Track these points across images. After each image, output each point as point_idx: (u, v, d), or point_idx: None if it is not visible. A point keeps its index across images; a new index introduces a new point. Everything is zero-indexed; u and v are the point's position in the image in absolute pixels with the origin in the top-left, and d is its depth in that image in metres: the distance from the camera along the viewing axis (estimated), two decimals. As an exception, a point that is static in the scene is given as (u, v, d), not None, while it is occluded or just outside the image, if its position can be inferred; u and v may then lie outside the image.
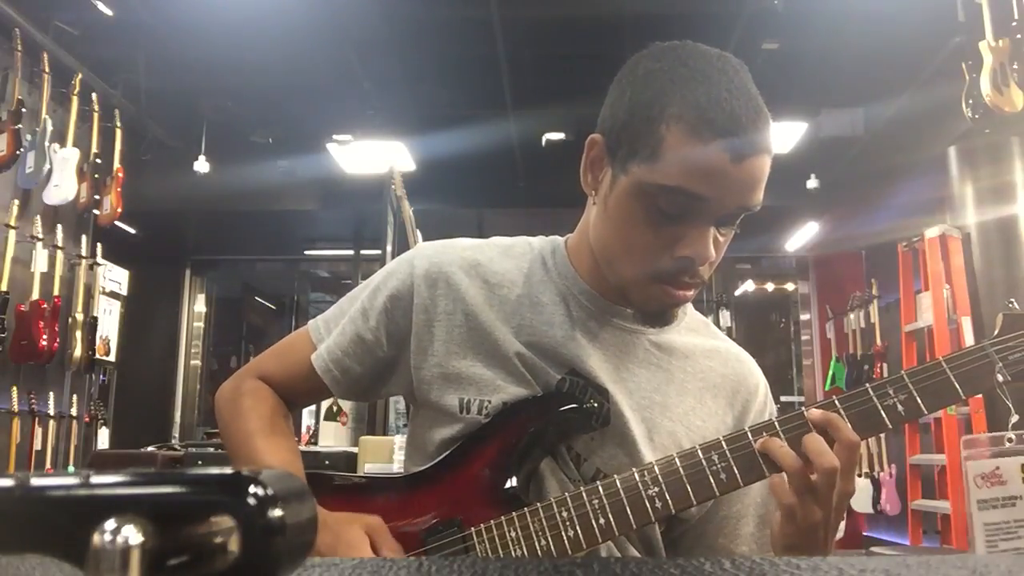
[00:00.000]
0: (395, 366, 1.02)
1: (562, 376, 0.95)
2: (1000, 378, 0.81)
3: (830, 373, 6.85)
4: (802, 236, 7.36)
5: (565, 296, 0.99)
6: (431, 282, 0.99)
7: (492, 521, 0.89)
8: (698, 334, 1.04)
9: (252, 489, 0.26)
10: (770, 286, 9.65)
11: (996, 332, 0.84)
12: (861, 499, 5.95)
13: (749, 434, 0.86)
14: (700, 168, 0.82)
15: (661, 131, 0.83)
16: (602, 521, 0.86)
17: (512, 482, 0.92)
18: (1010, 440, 0.66)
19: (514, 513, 0.89)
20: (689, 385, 0.99)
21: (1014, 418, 0.90)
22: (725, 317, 8.13)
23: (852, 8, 4.39)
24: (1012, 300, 0.84)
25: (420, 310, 0.99)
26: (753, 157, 0.83)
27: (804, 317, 8.28)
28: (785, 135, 5.59)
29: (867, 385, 0.85)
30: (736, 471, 0.85)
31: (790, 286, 8.96)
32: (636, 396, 0.96)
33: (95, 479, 0.27)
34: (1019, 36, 3.54)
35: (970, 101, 3.58)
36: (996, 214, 4.39)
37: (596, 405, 0.94)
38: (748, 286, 9.64)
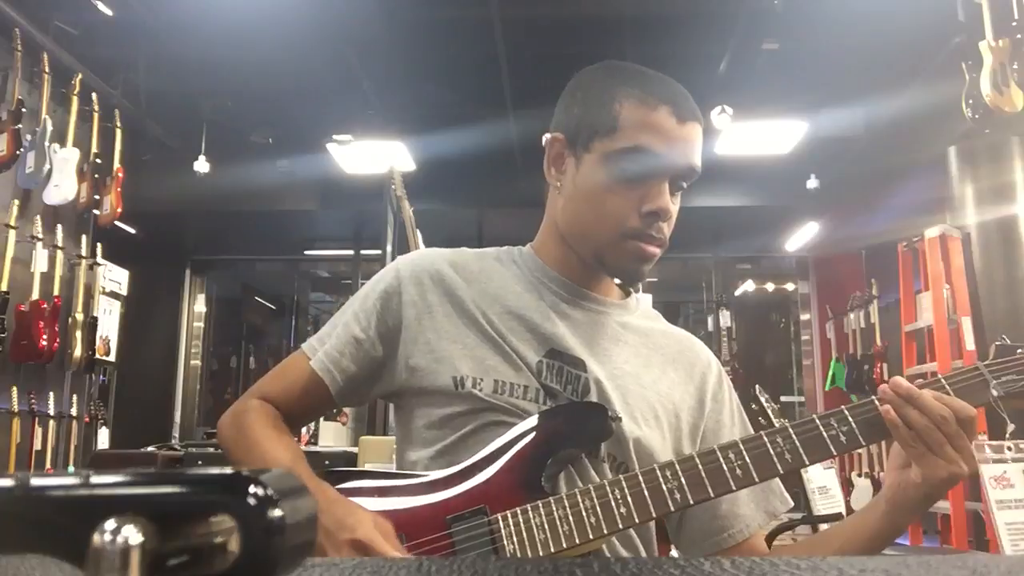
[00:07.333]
0: (387, 365, 1.08)
1: (540, 358, 1.03)
2: (995, 393, 0.94)
3: (830, 373, 6.84)
4: (802, 236, 7.36)
5: (536, 285, 1.10)
6: (417, 280, 1.09)
7: (517, 508, 0.94)
8: (653, 321, 1.16)
9: (252, 489, 0.26)
10: (770, 286, 9.65)
11: (991, 358, 0.96)
12: (861, 499, 5.96)
13: (740, 443, 0.93)
14: (652, 127, 0.99)
15: (616, 108, 1.01)
16: (623, 509, 0.92)
17: (538, 482, 0.97)
18: (1009, 449, 0.70)
19: (539, 501, 0.94)
20: (653, 358, 1.10)
21: (1011, 427, 1.01)
22: (725, 317, 8.04)
23: (852, 8, 4.39)
24: (1004, 336, 0.99)
25: (409, 305, 1.07)
26: (693, 121, 1.01)
27: (804, 317, 8.27)
28: (785, 135, 5.58)
29: (873, 396, 0.94)
30: (752, 468, 0.92)
31: (790, 286, 8.95)
32: (609, 367, 1.05)
33: (95, 479, 0.27)
34: (1019, 36, 3.54)
35: (970, 101, 3.58)
36: (996, 214, 4.39)
37: (619, 416, 1.01)
38: (748, 286, 9.63)
